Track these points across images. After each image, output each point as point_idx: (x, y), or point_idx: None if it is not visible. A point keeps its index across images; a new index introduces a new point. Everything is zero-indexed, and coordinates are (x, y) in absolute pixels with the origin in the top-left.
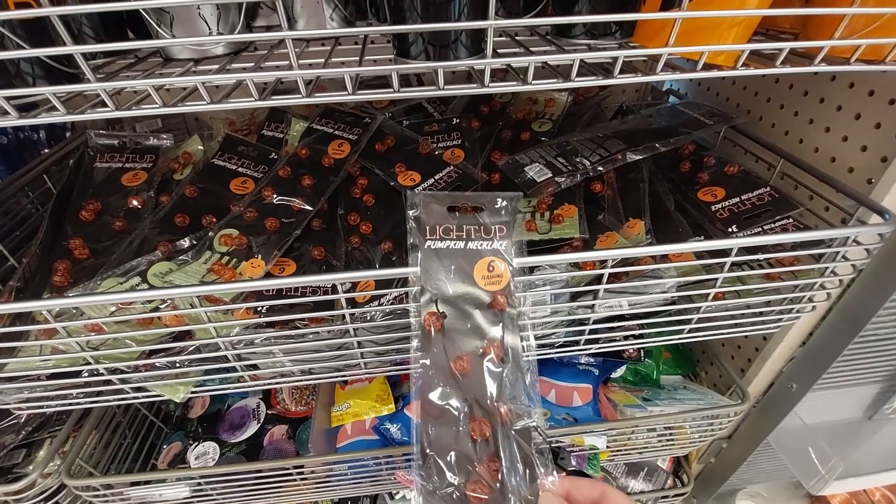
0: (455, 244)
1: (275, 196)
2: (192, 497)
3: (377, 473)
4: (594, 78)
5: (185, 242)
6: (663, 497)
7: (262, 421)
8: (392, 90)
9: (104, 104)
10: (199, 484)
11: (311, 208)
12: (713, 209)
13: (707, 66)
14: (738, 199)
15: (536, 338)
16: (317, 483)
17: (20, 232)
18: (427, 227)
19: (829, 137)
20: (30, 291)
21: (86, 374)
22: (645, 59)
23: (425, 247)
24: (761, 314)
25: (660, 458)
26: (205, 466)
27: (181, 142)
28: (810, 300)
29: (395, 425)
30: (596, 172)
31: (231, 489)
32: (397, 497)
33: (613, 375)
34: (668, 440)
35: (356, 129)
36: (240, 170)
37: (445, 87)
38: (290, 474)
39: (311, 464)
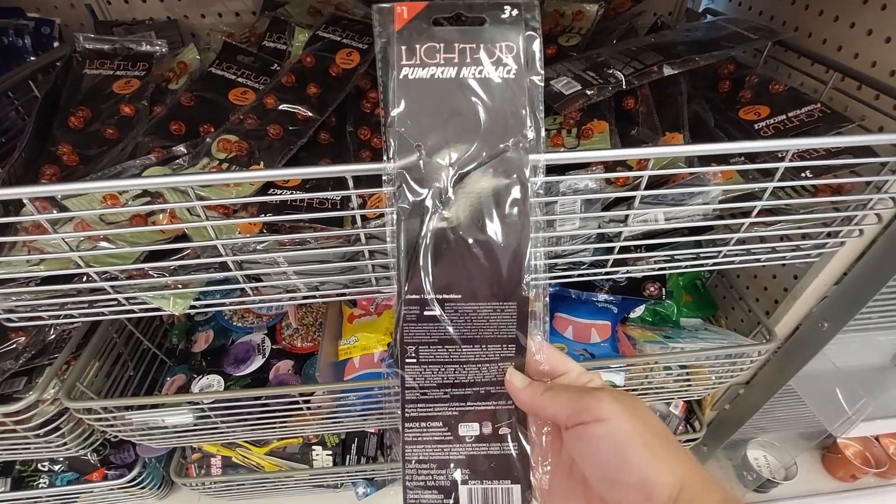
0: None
1: (278, 103)
2: (196, 424)
3: (386, 406)
4: None
5: (182, 149)
6: None
7: (267, 356)
8: None
9: None
10: (204, 410)
11: (317, 117)
12: (757, 127)
13: None
14: (784, 117)
15: (561, 256)
16: (324, 415)
17: (3, 139)
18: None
19: (889, 49)
20: None
21: (76, 281)
22: None
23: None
24: (803, 238)
25: (674, 402)
26: (214, 391)
27: (176, 52)
28: (857, 223)
29: None
30: (630, 85)
31: (236, 418)
32: None
33: (632, 315)
34: (685, 381)
35: (366, 39)
36: (239, 80)
37: None
38: (297, 402)
39: (319, 392)
